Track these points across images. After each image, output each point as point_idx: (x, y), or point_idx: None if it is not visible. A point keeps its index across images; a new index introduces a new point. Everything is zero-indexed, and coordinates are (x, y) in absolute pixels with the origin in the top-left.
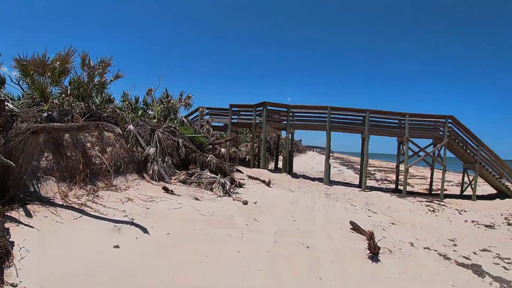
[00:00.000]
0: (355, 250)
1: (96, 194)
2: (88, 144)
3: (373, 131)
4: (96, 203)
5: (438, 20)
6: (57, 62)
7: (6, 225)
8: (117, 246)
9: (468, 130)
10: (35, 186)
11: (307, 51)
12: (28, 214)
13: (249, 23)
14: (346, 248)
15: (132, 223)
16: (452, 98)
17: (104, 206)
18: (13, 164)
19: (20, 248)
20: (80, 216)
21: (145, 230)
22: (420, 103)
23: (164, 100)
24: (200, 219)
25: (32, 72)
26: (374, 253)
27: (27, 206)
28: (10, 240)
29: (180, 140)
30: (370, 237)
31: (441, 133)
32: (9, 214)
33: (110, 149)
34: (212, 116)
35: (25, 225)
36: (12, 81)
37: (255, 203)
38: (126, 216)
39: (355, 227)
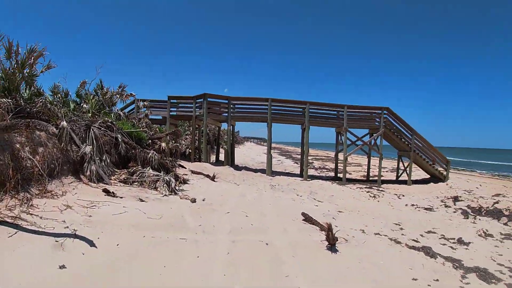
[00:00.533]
0: (312, 242)
1: (30, 204)
2: (17, 145)
3: (313, 122)
4: (32, 214)
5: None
6: None
7: None
8: (63, 266)
9: (403, 121)
10: None
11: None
12: None
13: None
14: (304, 241)
15: (75, 236)
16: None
17: (41, 218)
18: None
19: None
20: (16, 233)
21: (91, 243)
22: (361, 97)
23: (99, 92)
24: (149, 223)
25: None
26: (332, 244)
27: None
28: None
29: (118, 136)
30: (329, 228)
31: (377, 123)
32: None
33: (42, 150)
34: (150, 108)
35: None
36: None
37: (203, 200)
38: (67, 227)
39: (307, 218)
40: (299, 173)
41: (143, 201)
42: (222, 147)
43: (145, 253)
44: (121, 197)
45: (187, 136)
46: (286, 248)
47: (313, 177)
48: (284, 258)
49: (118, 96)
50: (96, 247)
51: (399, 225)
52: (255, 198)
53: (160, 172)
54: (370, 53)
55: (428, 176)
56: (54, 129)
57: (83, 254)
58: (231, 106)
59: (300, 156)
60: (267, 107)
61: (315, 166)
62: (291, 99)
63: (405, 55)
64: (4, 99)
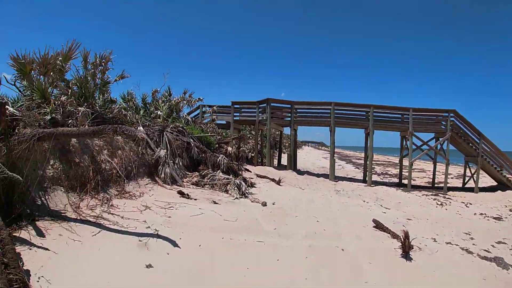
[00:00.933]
0: (386, 250)
1: (110, 204)
2: (97, 149)
3: (377, 126)
4: (113, 214)
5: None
6: (59, 58)
7: (17, 249)
8: (149, 266)
9: (470, 124)
10: (43, 199)
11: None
12: (40, 233)
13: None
14: (377, 248)
15: (158, 236)
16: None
17: (122, 217)
18: (20, 179)
19: (39, 279)
20: (99, 232)
21: (174, 244)
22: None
23: (166, 99)
24: (226, 226)
25: (30, 71)
26: (406, 252)
27: (37, 223)
28: (25, 268)
29: (191, 140)
30: (406, 236)
31: (443, 127)
32: (17, 235)
33: (120, 153)
34: (215, 114)
35: (39, 247)
36: (7, 81)
37: (273, 204)
38: (149, 227)
39: (378, 225)
40: (361, 178)
41: (216, 203)
42: (284, 152)
43: (226, 254)
44: (195, 199)
45: (249, 141)
46: (361, 254)
47: (376, 183)
48: (361, 264)
49: (185, 102)
50: (179, 248)
51: (469, 234)
52: (323, 204)
53: (229, 176)
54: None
55: (495, 183)
56: (143, 135)
57: (168, 254)
58: (294, 110)
59: (361, 161)
60: (329, 111)
61: (377, 172)
62: (354, 102)
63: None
64: (82, 108)
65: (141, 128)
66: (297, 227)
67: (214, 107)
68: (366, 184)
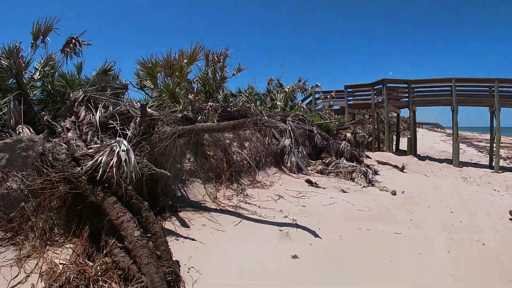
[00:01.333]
0: None
1: (245, 194)
2: (227, 142)
3: (505, 103)
4: (249, 203)
5: None
6: (185, 60)
7: None
8: (295, 256)
9: None
10: (182, 191)
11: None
12: (184, 224)
13: None
14: None
15: (297, 226)
16: None
17: (259, 207)
18: (169, 174)
19: (189, 269)
20: (240, 221)
21: (315, 234)
22: None
23: (279, 89)
24: (359, 216)
25: (157, 73)
26: None
27: (179, 214)
28: (174, 259)
29: (313, 128)
30: None
31: None
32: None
33: (248, 144)
34: (325, 99)
35: (185, 238)
36: (133, 86)
37: (402, 193)
38: (286, 216)
39: None
40: (486, 163)
41: (344, 192)
42: (402, 136)
43: (367, 246)
44: (324, 188)
45: (368, 125)
46: (503, 250)
47: (503, 169)
48: (506, 262)
49: (299, 90)
50: (320, 238)
51: None
52: (452, 192)
53: (352, 163)
54: None
55: None
56: (285, 126)
57: (310, 244)
58: (411, 90)
59: (482, 143)
60: (450, 88)
61: (502, 156)
62: (476, 77)
63: None
64: (211, 103)
65: (266, 118)
66: (431, 218)
67: (332, 93)
68: (493, 170)
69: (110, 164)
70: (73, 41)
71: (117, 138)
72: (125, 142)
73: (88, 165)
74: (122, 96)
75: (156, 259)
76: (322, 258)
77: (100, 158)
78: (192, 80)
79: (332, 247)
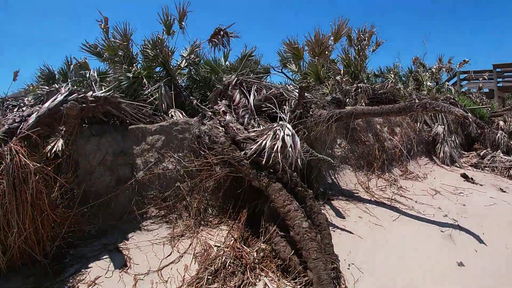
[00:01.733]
0: None
1: (398, 185)
2: (378, 127)
3: None
4: (404, 197)
5: None
6: (331, 38)
7: None
8: (461, 264)
9: None
10: (333, 177)
11: None
12: (339, 214)
13: None
14: None
15: (459, 228)
16: None
17: (416, 202)
18: (332, 161)
19: (349, 266)
20: (398, 217)
21: (479, 240)
22: None
23: (424, 69)
24: None
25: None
26: None
27: (332, 202)
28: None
29: (469, 114)
30: None
31: None
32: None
33: (399, 130)
34: (473, 80)
35: (341, 229)
36: (274, 69)
37: None
38: (446, 215)
39: None
40: None
41: (503, 191)
42: None
43: None
44: (481, 185)
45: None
46: None
47: None
48: None
49: (444, 69)
50: (485, 245)
51: None
52: None
53: (509, 157)
54: None
55: None
56: (462, 111)
57: (476, 251)
58: None
59: None
60: None
61: None
62: None
63: None
64: (362, 84)
65: (417, 101)
66: None
67: (485, 75)
68: None
69: (274, 149)
70: (222, 32)
71: (280, 122)
72: (289, 126)
73: (252, 149)
74: (264, 80)
75: (324, 254)
76: (491, 271)
77: (264, 142)
78: (334, 61)
79: (498, 257)
